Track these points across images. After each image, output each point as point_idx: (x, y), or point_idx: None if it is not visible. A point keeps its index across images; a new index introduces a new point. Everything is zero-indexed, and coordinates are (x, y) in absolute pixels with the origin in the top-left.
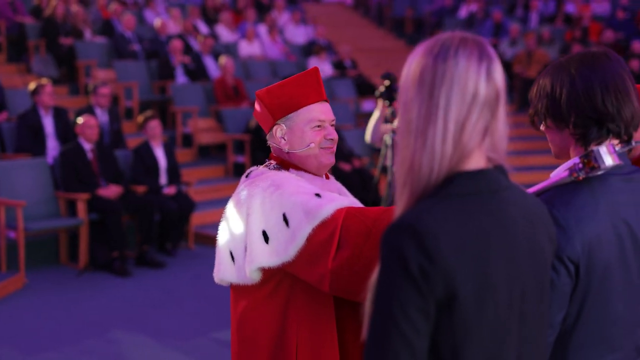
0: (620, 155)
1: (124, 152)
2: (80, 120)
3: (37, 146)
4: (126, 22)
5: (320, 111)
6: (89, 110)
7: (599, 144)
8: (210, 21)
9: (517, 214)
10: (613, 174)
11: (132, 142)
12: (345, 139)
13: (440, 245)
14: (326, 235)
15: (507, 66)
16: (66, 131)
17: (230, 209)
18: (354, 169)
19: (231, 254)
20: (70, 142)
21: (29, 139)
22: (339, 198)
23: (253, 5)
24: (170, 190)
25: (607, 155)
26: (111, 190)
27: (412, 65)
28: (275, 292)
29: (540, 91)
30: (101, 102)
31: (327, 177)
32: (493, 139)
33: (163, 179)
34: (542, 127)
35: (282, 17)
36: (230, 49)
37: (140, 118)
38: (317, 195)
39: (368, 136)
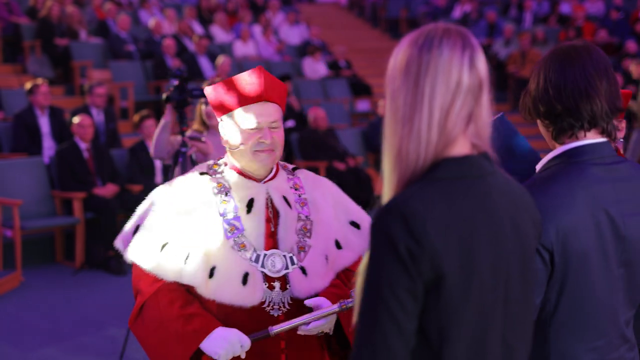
0: (605, 145)
1: (120, 152)
2: (75, 119)
3: (33, 146)
4: (121, 23)
5: (256, 112)
6: (84, 110)
7: (571, 136)
8: (205, 22)
9: (501, 199)
10: (594, 163)
11: (128, 141)
12: (339, 138)
13: (427, 227)
14: (135, 287)
15: (501, 66)
16: (62, 131)
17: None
18: (349, 168)
19: None
20: (66, 141)
21: (25, 138)
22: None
23: (248, 6)
24: None
25: None
26: (107, 189)
27: (398, 55)
28: None
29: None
30: (97, 102)
31: (277, 171)
32: (477, 125)
33: (159, 178)
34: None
35: (277, 18)
36: (225, 50)
37: (136, 117)
38: (164, 245)
39: (152, 150)
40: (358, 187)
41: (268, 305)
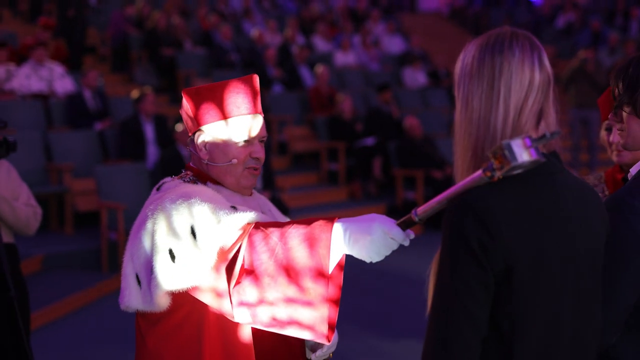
0: None
1: None
2: (179, 127)
3: (137, 152)
4: (224, 33)
5: (251, 126)
6: None
7: None
8: (307, 32)
9: (571, 196)
10: None
11: None
12: (438, 147)
13: (499, 221)
14: (230, 254)
15: (604, 75)
16: (165, 138)
17: (136, 226)
18: (446, 177)
19: (137, 277)
20: (169, 148)
21: (130, 145)
22: (253, 212)
23: (348, 16)
24: (265, 196)
25: (522, 150)
26: None
27: (468, 60)
28: (187, 321)
29: (629, 81)
30: None
31: (250, 194)
32: (547, 122)
33: (258, 184)
34: (624, 114)
35: (378, 28)
36: (326, 59)
37: None
38: (233, 207)
39: None
40: None
41: None
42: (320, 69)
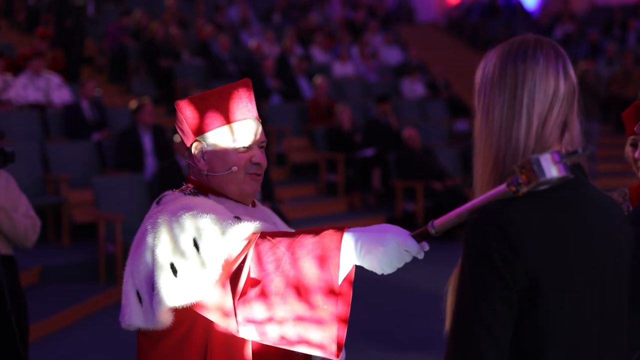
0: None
1: None
2: (177, 138)
3: (135, 162)
4: (222, 44)
5: (252, 130)
6: None
7: None
8: (305, 42)
9: (595, 211)
10: None
11: None
12: (437, 158)
13: (523, 235)
14: (234, 265)
15: (604, 86)
16: (164, 149)
17: (136, 241)
18: (446, 188)
19: (138, 293)
20: (167, 159)
21: (128, 155)
22: (257, 222)
23: (347, 28)
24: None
25: (551, 165)
26: None
27: (489, 68)
28: (189, 337)
29: None
30: None
31: (254, 205)
32: (571, 134)
33: (257, 195)
34: None
35: (376, 39)
36: (324, 70)
37: None
38: (237, 218)
39: None
40: (454, 207)
41: None
42: (318, 79)
